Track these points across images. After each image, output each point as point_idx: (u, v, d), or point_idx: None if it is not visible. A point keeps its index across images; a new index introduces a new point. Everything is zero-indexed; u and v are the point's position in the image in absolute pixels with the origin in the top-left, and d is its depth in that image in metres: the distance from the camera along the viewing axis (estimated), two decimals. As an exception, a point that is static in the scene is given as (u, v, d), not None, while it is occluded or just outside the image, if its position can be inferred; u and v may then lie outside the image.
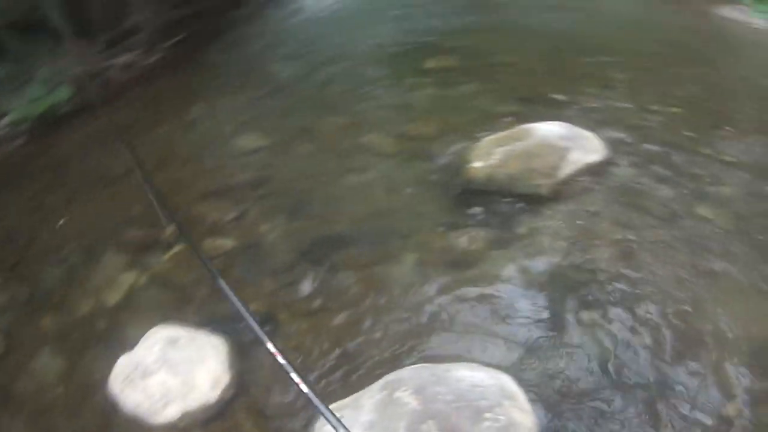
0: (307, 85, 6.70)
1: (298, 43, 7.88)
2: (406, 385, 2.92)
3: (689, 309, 3.70)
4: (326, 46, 7.71)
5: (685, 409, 3.17)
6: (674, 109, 5.78)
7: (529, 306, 3.79)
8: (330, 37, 7.98)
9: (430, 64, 6.86)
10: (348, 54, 7.38)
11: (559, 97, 5.93)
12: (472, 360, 3.38)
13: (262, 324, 3.70)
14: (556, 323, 3.67)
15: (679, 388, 3.27)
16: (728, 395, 3.24)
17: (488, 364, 3.29)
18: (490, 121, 5.37)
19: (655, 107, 5.77)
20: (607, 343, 3.52)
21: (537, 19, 8.06)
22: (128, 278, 4.38)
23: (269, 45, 8.01)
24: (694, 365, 3.38)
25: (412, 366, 3.17)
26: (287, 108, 6.17)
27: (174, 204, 4.89)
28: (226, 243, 4.47)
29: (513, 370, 3.31)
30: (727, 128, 5.47)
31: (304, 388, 2.32)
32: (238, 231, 4.58)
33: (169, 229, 4.55)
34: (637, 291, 3.82)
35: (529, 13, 8.22)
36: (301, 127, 5.71)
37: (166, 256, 4.45)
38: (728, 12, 8.86)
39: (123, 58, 7.80)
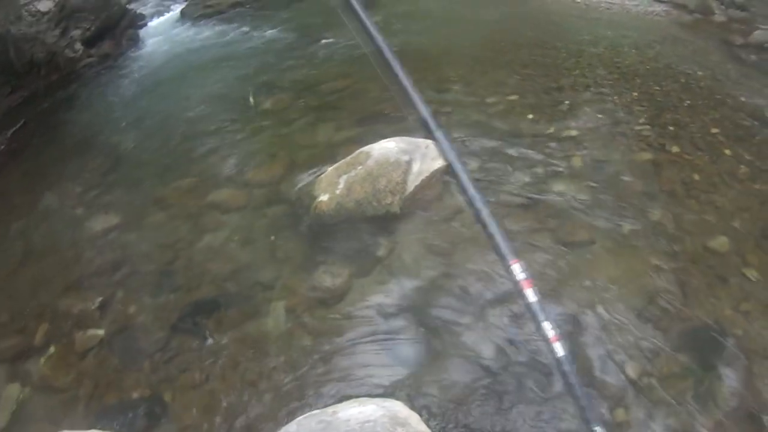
0: (148, 152, 6.64)
1: (134, 109, 7.78)
2: (295, 440, 2.93)
3: (567, 285, 3.96)
4: (161, 105, 7.65)
5: (587, 382, 3.39)
6: (512, 97, 6.04)
7: (404, 326, 3.93)
8: (164, 95, 7.90)
9: (266, 105, 6.94)
10: (184, 110, 7.34)
11: (396, 111, 5.98)
12: (360, 395, 3.47)
13: (149, 408, 3.80)
14: (434, 337, 3.82)
15: (578, 364, 3.40)
16: (626, 357, 3.51)
17: (376, 395, 3.41)
18: (332, 151, 5.50)
19: (492, 99, 6.00)
20: (490, 343, 3.72)
21: (359, 44, 8.16)
22: (13, 392, 4.26)
23: (106, 115, 7.86)
24: (585, 338, 3.63)
25: (299, 417, 3.19)
26: (132, 179, 6.11)
27: (39, 302, 4.87)
28: (98, 333, 4.44)
29: (402, 395, 3.46)
30: (566, 103, 5.79)
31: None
32: (107, 318, 4.55)
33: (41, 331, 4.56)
34: (509, 286, 3.90)
35: (349, 41, 8.30)
36: (149, 198, 5.69)
37: (43, 360, 4.41)
38: (547, -8, 9.28)
39: (-34, 155, 7.59)
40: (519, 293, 2.13)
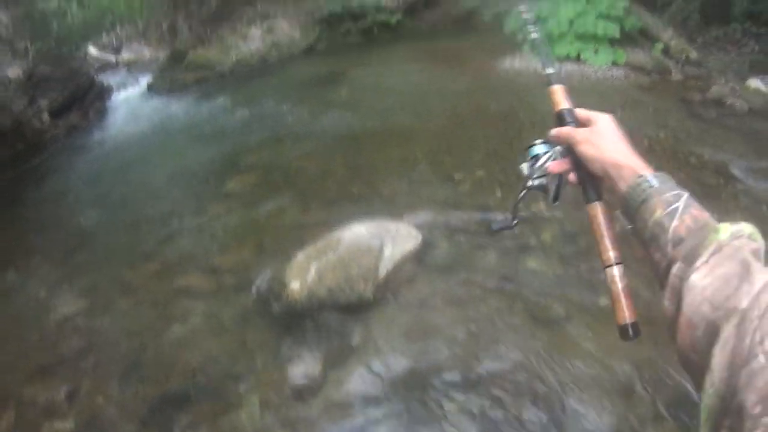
0: (113, 231, 6.63)
1: (99, 185, 7.81)
2: None
3: (546, 365, 3.96)
4: (127, 182, 7.68)
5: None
6: (478, 173, 6.14)
7: (382, 418, 3.91)
8: (130, 172, 7.93)
9: (232, 186, 6.98)
10: (150, 188, 7.39)
11: (364, 191, 6.17)
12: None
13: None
14: (417, 427, 3.80)
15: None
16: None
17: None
18: (301, 234, 5.48)
19: (458, 176, 6.12)
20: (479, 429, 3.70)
21: (324, 121, 8.36)
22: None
23: (71, 191, 7.86)
24: (568, 418, 3.66)
25: None
26: (98, 261, 6.07)
27: (3, 389, 4.77)
28: (65, 425, 4.34)
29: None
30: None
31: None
32: (74, 409, 4.46)
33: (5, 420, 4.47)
34: (488, 367, 4.06)
35: (315, 117, 8.44)
36: (116, 281, 5.63)
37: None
38: (509, 62, 9.52)
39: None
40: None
